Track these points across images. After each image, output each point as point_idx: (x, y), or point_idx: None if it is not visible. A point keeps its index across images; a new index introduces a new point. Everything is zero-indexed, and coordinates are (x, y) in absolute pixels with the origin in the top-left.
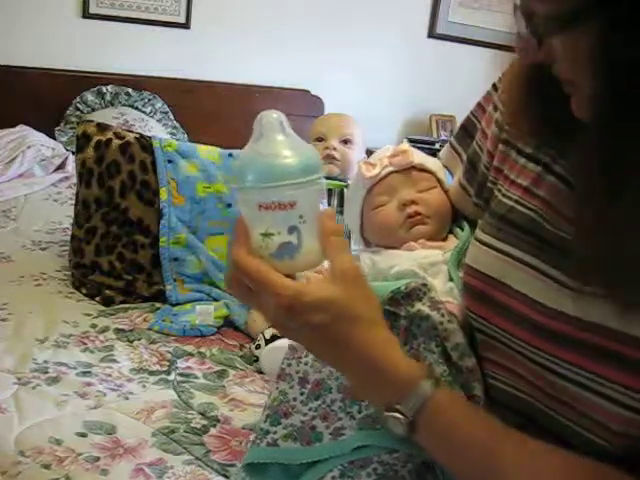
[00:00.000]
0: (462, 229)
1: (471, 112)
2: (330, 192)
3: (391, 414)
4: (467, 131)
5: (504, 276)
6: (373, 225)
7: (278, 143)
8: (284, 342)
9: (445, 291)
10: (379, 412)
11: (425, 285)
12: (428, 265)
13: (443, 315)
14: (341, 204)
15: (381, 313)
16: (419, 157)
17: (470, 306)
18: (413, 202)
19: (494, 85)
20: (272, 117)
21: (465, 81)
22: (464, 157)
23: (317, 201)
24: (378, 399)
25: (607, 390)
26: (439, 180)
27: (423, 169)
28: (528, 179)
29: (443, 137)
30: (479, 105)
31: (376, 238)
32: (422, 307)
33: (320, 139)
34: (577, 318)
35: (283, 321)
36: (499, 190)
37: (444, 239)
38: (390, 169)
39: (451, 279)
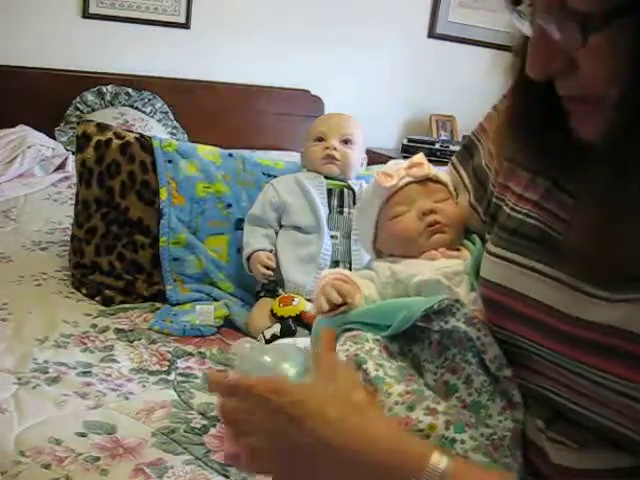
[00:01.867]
0: (473, 242)
1: (472, 132)
2: (330, 192)
3: None
4: (468, 151)
5: (518, 285)
6: (391, 234)
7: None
8: (284, 342)
9: (470, 300)
10: None
11: (457, 301)
12: (452, 274)
13: (479, 330)
14: (341, 204)
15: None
16: (433, 169)
17: (490, 318)
18: (432, 211)
19: (495, 106)
20: (245, 347)
21: (465, 81)
22: (465, 177)
23: None
24: None
25: (624, 388)
26: (450, 192)
27: (438, 181)
28: (537, 194)
29: (443, 137)
30: (480, 125)
31: (393, 248)
32: (457, 323)
33: (320, 139)
34: (588, 321)
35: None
36: (506, 205)
37: (458, 250)
38: (408, 179)
39: (473, 288)
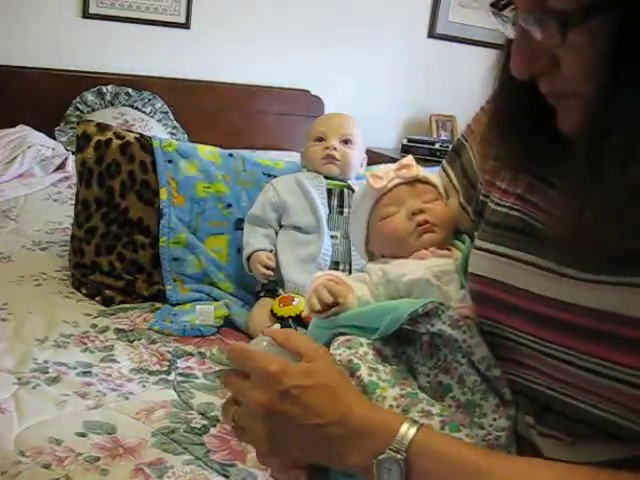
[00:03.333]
0: (463, 242)
1: (461, 134)
2: (330, 192)
3: (386, 456)
4: (457, 153)
5: (505, 276)
6: (382, 235)
7: None
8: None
9: (459, 298)
10: (367, 468)
11: (442, 304)
12: (441, 273)
13: (465, 332)
14: (341, 204)
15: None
16: (422, 170)
17: (480, 311)
18: (421, 211)
19: (482, 108)
20: (263, 345)
21: (465, 81)
22: (453, 178)
23: None
24: (364, 452)
25: (616, 373)
26: (440, 193)
27: (427, 182)
28: (520, 187)
29: (443, 137)
30: (468, 127)
31: (384, 248)
32: (442, 326)
33: (320, 139)
34: (577, 305)
35: (272, 387)
36: (492, 201)
37: (449, 250)
38: (397, 181)
39: (463, 287)
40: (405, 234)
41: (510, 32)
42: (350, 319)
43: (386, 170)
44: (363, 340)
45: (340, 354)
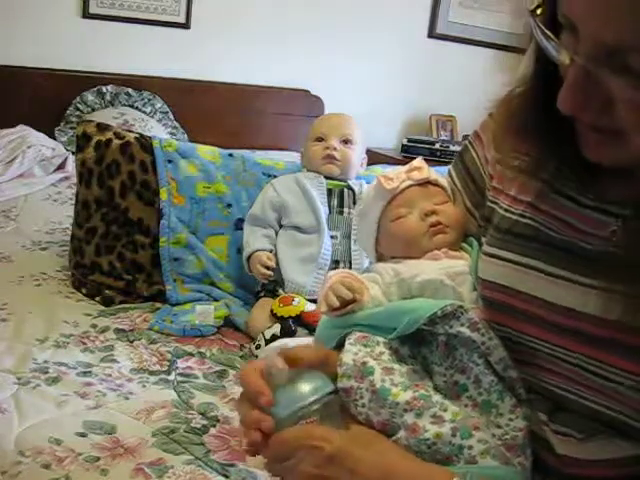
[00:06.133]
0: (470, 245)
1: (468, 140)
2: (330, 192)
3: None
4: (462, 158)
5: (516, 283)
6: (394, 236)
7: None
8: (284, 342)
9: (472, 299)
10: None
11: (461, 307)
12: (455, 274)
13: (483, 335)
14: (341, 204)
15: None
16: (433, 173)
17: (491, 317)
18: (434, 212)
19: (491, 114)
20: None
21: (465, 81)
22: (458, 183)
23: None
24: None
25: (624, 380)
26: (449, 196)
27: (437, 184)
28: (531, 195)
29: (443, 137)
30: (475, 133)
31: (396, 249)
32: (461, 328)
33: (320, 139)
34: (587, 314)
35: (317, 456)
36: (500, 207)
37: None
38: (409, 182)
39: (475, 288)
40: (418, 235)
41: (563, 59)
42: (366, 318)
43: (397, 172)
44: (380, 339)
45: (356, 352)
